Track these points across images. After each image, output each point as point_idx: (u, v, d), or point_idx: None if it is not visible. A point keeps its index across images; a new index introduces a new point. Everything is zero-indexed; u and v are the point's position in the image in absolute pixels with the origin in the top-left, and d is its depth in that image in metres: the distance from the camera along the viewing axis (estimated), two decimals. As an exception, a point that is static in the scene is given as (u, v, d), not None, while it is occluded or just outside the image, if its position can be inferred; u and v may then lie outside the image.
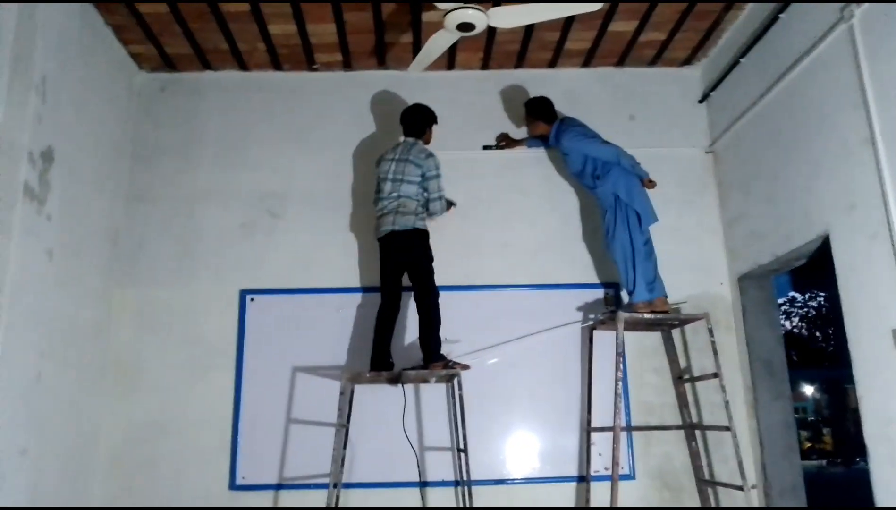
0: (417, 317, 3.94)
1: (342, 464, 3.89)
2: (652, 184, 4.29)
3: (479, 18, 3.57)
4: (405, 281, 4.04)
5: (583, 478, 4.19)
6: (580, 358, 4.38)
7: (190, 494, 4.08)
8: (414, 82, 4.73)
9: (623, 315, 3.95)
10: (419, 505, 4.08)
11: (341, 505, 3.94)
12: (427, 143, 4.20)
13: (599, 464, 4.18)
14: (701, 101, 4.85)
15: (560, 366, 4.36)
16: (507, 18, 3.70)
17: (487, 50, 4.64)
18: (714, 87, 4.65)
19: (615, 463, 3.72)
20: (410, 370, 3.87)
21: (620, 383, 3.87)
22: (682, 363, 4.42)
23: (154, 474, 4.14)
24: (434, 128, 4.26)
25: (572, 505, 4.19)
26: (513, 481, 4.20)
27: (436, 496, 4.12)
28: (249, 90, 4.82)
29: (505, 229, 4.59)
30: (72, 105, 3.81)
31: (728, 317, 4.50)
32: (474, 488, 3.86)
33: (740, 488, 3.83)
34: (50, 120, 3.55)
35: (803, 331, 23.83)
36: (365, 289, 4.42)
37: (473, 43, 4.40)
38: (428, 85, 4.70)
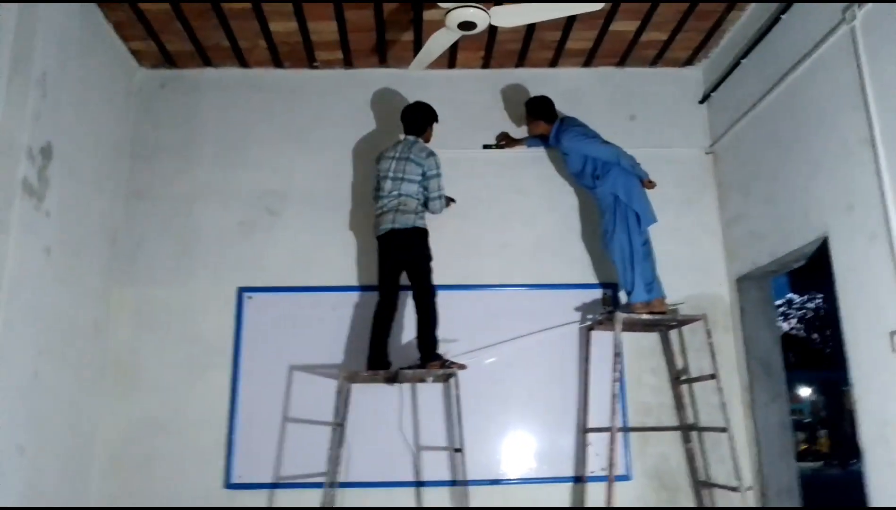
0: (415, 316, 3.93)
1: (338, 464, 3.89)
2: (651, 184, 4.29)
3: (481, 17, 3.57)
4: (403, 280, 4.03)
5: (579, 479, 4.19)
6: (577, 358, 4.38)
7: (186, 493, 4.07)
8: (414, 81, 4.72)
9: (621, 315, 3.95)
10: (415, 505, 4.08)
11: (337, 504, 3.93)
12: (427, 141, 4.20)
13: (596, 465, 4.17)
14: (701, 102, 4.85)
15: (557, 367, 4.36)
16: (509, 17, 3.69)
17: (488, 49, 4.64)
18: (715, 88, 4.64)
19: (611, 463, 3.72)
20: (407, 369, 3.87)
21: (618, 384, 3.88)
22: (680, 364, 4.42)
23: (151, 472, 4.13)
24: (434, 126, 4.26)
25: (568, 505, 4.19)
26: (509, 481, 4.20)
27: (432, 496, 4.11)
28: (250, 88, 4.81)
29: (504, 229, 4.59)
30: (71, 102, 3.80)
31: (726, 318, 4.50)
32: (470, 488, 3.85)
33: (736, 489, 3.84)
34: (49, 116, 3.55)
35: (801, 332, 23.86)
36: (362, 288, 4.42)
37: (474, 42, 4.40)
38: (428, 84, 4.69)
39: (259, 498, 4.10)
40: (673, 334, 4.45)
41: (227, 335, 4.35)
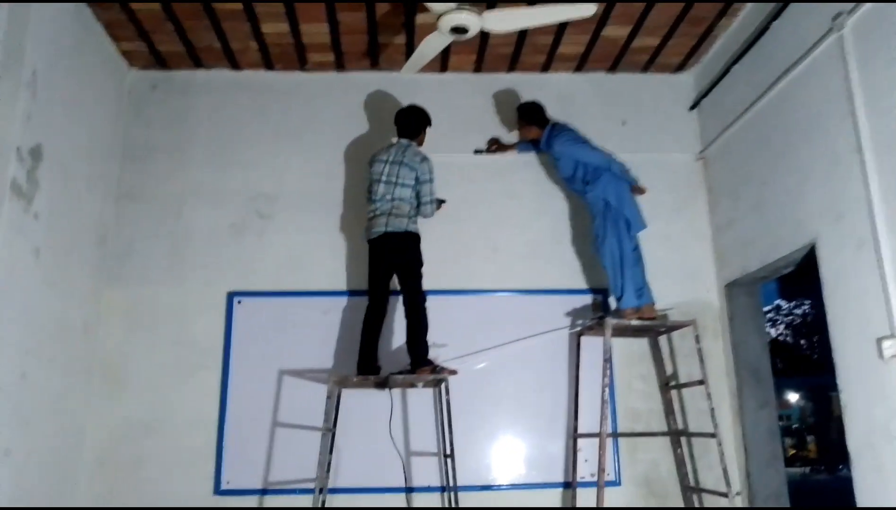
0: (405, 320, 3.92)
1: (328, 469, 3.87)
2: (642, 190, 4.31)
3: (473, 22, 3.57)
4: (392, 284, 4.02)
5: (569, 485, 4.19)
6: (568, 363, 4.38)
7: (175, 497, 4.04)
8: (406, 84, 4.72)
9: (611, 321, 3.95)
10: None
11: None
12: (420, 144, 4.19)
13: (585, 471, 4.17)
14: (692, 108, 4.87)
15: (547, 372, 4.36)
16: (501, 22, 3.70)
17: (480, 53, 4.64)
18: (706, 94, 4.67)
19: (601, 469, 3.72)
20: (398, 374, 3.85)
21: (607, 389, 3.87)
22: (669, 370, 4.43)
23: (139, 476, 4.10)
24: (427, 130, 4.25)
25: (558, 508, 4.18)
26: (499, 487, 4.19)
27: (422, 501, 4.10)
28: (241, 90, 4.79)
29: (494, 233, 4.59)
30: (62, 102, 3.78)
31: (715, 324, 4.52)
32: (460, 494, 3.84)
33: (725, 495, 3.85)
34: (39, 117, 3.52)
35: (788, 338, 23.97)
36: (351, 293, 4.40)
37: (466, 46, 4.39)
38: (420, 87, 4.68)
39: (249, 503, 4.07)
40: (662, 340, 4.46)
41: (217, 338, 4.32)
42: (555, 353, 4.39)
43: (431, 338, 3.89)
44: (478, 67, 4.84)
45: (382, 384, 3.92)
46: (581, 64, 4.81)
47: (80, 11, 4.00)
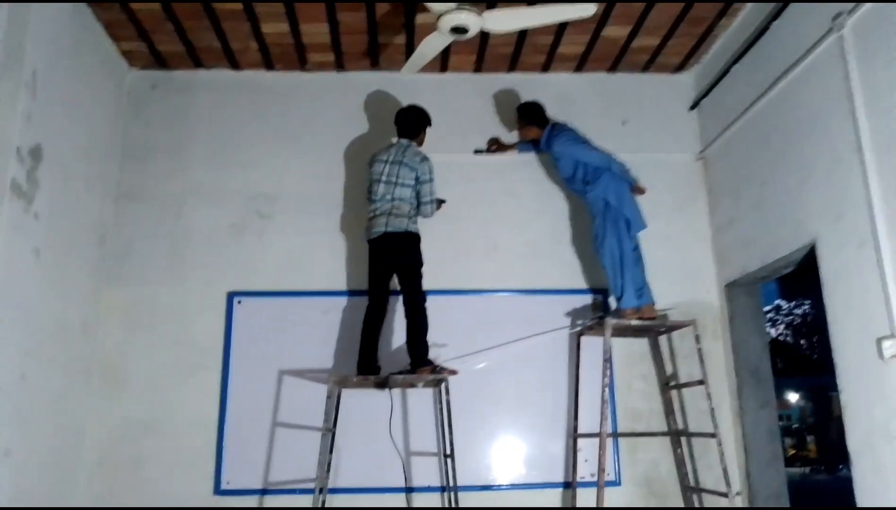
0: (405, 320, 3.92)
1: (328, 469, 3.87)
2: (642, 190, 4.31)
3: (473, 22, 3.57)
4: (392, 284, 4.02)
5: (569, 485, 4.19)
6: (567, 363, 4.38)
7: (174, 498, 4.04)
8: (406, 84, 4.72)
9: (611, 321, 3.95)
10: None
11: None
12: (420, 144, 4.20)
13: (586, 471, 4.17)
14: (692, 108, 4.87)
15: (547, 372, 4.36)
16: (501, 22, 3.70)
17: (480, 53, 4.64)
18: (706, 94, 4.67)
19: (601, 469, 3.72)
20: (398, 374, 3.85)
21: (607, 389, 3.87)
22: (669, 370, 4.43)
23: (139, 476, 4.10)
24: (427, 130, 4.25)
25: (558, 508, 4.18)
26: (499, 487, 4.19)
27: (422, 501, 4.10)
28: (241, 89, 4.79)
29: (494, 233, 4.59)
30: (62, 102, 3.78)
31: (715, 324, 4.52)
32: (460, 494, 3.84)
33: (725, 495, 3.85)
34: (39, 117, 3.52)
35: (788, 338, 23.98)
36: (351, 293, 4.40)
37: (466, 46, 4.39)
38: (420, 87, 4.68)
39: (248, 502, 4.07)
40: (662, 340, 4.46)
41: (217, 338, 4.32)
42: (555, 353, 4.39)
43: (431, 338, 3.89)
44: (478, 67, 4.84)
45: (382, 384, 3.92)
46: (581, 64, 4.81)
47: (80, 11, 4.00)
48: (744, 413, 4.26)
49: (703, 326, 4.29)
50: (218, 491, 4.08)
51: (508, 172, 4.70)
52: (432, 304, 3.93)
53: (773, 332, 23.29)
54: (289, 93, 4.80)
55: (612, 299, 4.27)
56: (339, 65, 4.77)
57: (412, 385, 4.08)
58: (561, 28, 4.33)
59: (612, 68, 4.88)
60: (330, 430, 3.86)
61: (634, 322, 4.03)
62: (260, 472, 4.11)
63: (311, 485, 3.79)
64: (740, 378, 4.30)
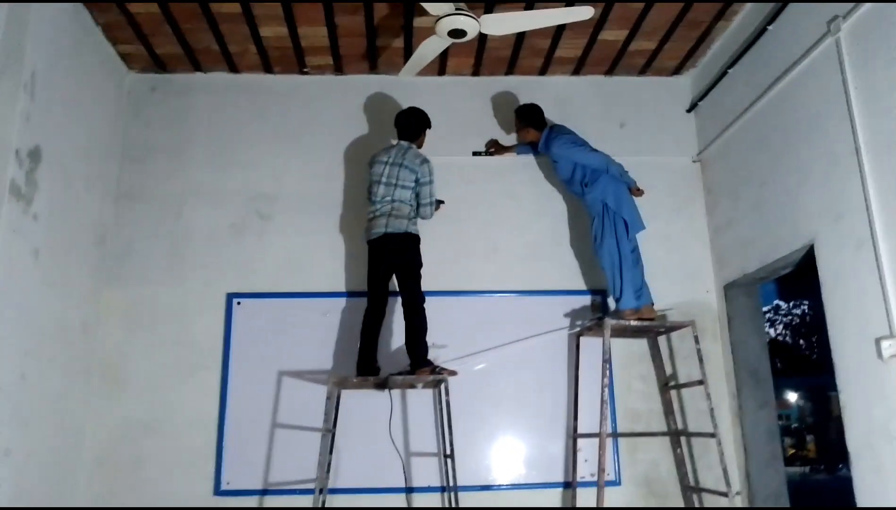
0: (404, 321, 3.93)
1: (328, 470, 3.87)
2: (640, 192, 4.33)
3: (471, 25, 3.58)
4: (391, 286, 4.03)
5: (569, 485, 4.20)
6: (567, 364, 4.39)
7: (174, 498, 4.05)
8: (405, 87, 4.74)
9: (610, 322, 3.96)
10: (405, 510, 4.08)
11: None
12: (420, 146, 4.21)
13: (585, 471, 4.18)
14: (690, 110, 4.89)
15: (547, 373, 4.37)
16: (499, 26, 3.71)
17: (478, 56, 4.65)
18: (703, 96, 4.69)
19: (601, 469, 3.73)
20: (397, 375, 3.86)
21: (607, 390, 3.88)
22: (669, 370, 4.44)
23: (139, 477, 4.10)
24: (426, 132, 4.26)
25: (558, 508, 4.20)
26: (499, 487, 4.20)
27: (422, 502, 4.11)
28: (240, 92, 4.80)
29: (493, 235, 4.60)
30: (61, 104, 3.78)
31: (714, 324, 4.53)
32: (460, 494, 3.85)
33: (725, 495, 3.86)
34: (38, 118, 3.53)
35: (787, 338, 23.99)
36: (350, 294, 4.41)
37: (465, 49, 4.41)
38: (418, 90, 4.70)
39: (248, 503, 4.08)
40: (662, 341, 4.47)
41: (217, 339, 4.33)
42: (554, 354, 4.40)
43: (431, 339, 3.90)
44: (476, 70, 4.85)
45: (382, 385, 3.93)
46: (579, 67, 4.82)
47: (79, 13, 4.01)
48: (743, 413, 4.27)
49: (702, 327, 4.30)
50: (218, 491, 4.09)
51: (507, 174, 4.72)
52: (432, 306, 3.94)
53: (772, 332, 23.30)
54: (288, 94, 4.81)
55: (611, 300, 4.28)
56: (338, 68, 4.78)
57: (412, 386, 4.09)
58: (558, 31, 4.35)
59: (610, 71, 4.90)
60: (330, 431, 3.86)
61: (633, 322, 4.05)
62: (260, 473, 4.12)
63: (311, 486, 3.79)
64: (739, 378, 4.32)
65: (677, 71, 4.91)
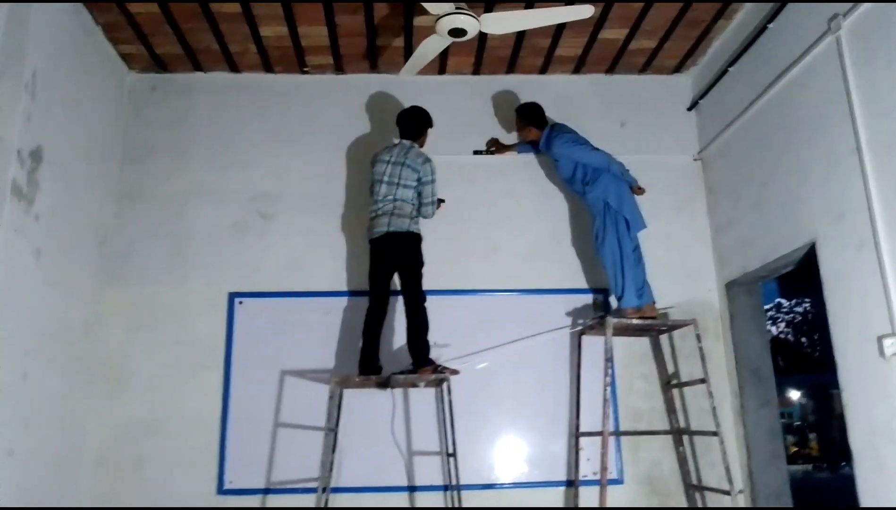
0: (405, 320, 3.93)
1: (331, 468, 3.88)
2: (641, 190, 4.32)
3: (471, 24, 3.58)
4: (392, 285, 4.04)
5: (571, 483, 4.20)
6: (569, 363, 4.39)
7: (177, 497, 4.05)
8: (405, 86, 4.74)
9: (612, 320, 3.96)
10: None
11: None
12: (422, 146, 4.21)
13: (588, 469, 4.18)
14: (690, 109, 4.89)
15: (549, 371, 4.37)
16: (499, 25, 3.71)
17: (479, 55, 4.65)
18: (703, 95, 4.68)
19: (604, 467, 3.73)
20: (399, 374, 3.86)
21: (609, 388, 3.88)
22: (671, 369, 4.44)
23: (141, 476, 4.11)
24: (428, 131, 4.27)
25: (560, 507, 4.19)
26: (501, 485, 4.21)
27: (424, 500, 4.11)
28: (240, 92, 4.80)
29: (495, 234, 4.60)
30: (62, 104, 3.79)
31: (716, 323, 4.53)
32: (463, 492, 3.85)
33: (727, 493, 3.86)
34: (39, 119, 3.54)
35: (789, 336, 23.99)
36: (352, 293, 4.42)
37: (465, 48, 4.41)
38: (419, 89, 4.70)
39: (251, 502, 4.09)
40: (663, 339, 4.47)
41: (219, 338, 4.34)
42: (556, 353, 4.40)
43: (433, 338, 3.90)
44: (476, 69, 4.85)
45: (384, 384, 3.93)
46: (579, 66, 4.82)
47: (79, 13, 4.01)
48: (745, 411, 4.27)
49: (703, 325, 4.30)
50: (221, 490, 4.10)
51: (508, 173, 4.72)
52: (434, 305, 3.94)
53: (773, 330, 23.30)
54: (288, 94, 4.81)
55: (612, 299, 4.28)
56: (339, 67, 4.78)
57: (414, 385, 4.09)
58: (559, 30, 4.35)
59: (611, 70, 4.89)
60: (332, 430, 3.87)
61: (635, 321, 4.05)
62: (262, 472, 4.12)
63: (313, 485, 3.81)
64: (741, 377, 4.31)
65: (678, 69, 4.91)
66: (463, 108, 4.81)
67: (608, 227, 4.13)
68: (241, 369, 4.29)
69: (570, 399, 4.33)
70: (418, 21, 4.15)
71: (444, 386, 3.93)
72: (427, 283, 3.97)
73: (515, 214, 4.65)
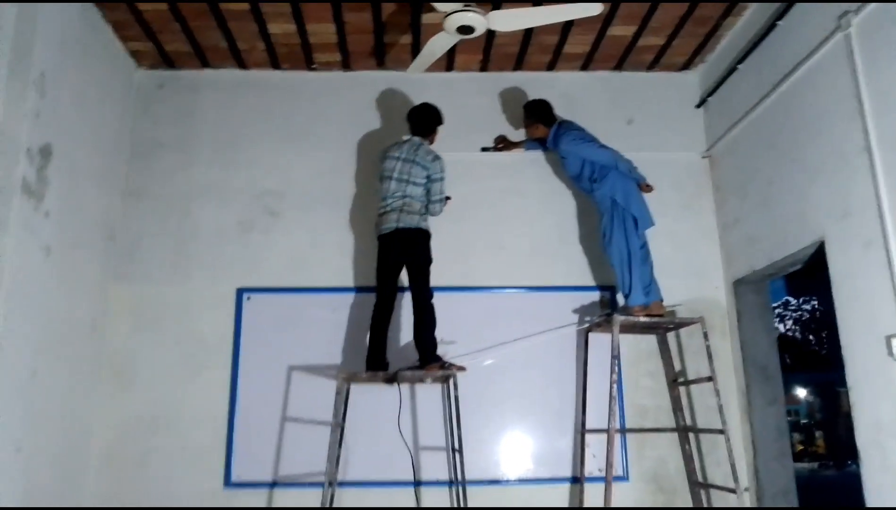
0: (412, 317, 3.94)
1: (337, 463, 3.90)
2: (649, 188, 4.32)
3: (479, 22, 3.58)
4: (400, 281, 4.04)
5: (577, 480, 4.21)
6: (576, 360, 4.39)
7: (184, 492, 4.08)
8: (413, 83, 4.74)
9: (619, 318, 3.96)
10: (413, 504, 4.09)
11: (336, 503, 3.94)
12: (432, 143, 4.21)
13: (593, 466, 4.19)
14: (698, 106, 4.87)
15: (555, 369, 4.38)
16: (507, 22, 3.70)
17: (486, 52, 4.65)
18: (711, 92, 4.67)
19: (609, 464, 3.74)
20: (406, 370, 3.88)
21: (615, 386, 3.88)
22: (677, 366, 4.44)
23: (148, 471, 4.14)
24: (438, 128, 4.27)
25: (566, 506, 4.20)
26: (507, 482, 4.22)
27: (430, 495, 4.13)
28: (248, 89, 4.82)
29: (502, 231, 4.60)
30: (70, 101, 3.81)
31: (723, 321, 4.53)
32: (468, 488, 3.86)
33: (733, 491, 3.85)
34: (48, 116, 3.56)
35: (797, 334, 23.93)
36: (359, 289, 4.43)
37: (472, 45, 4.41)
38: (426, 86, 4.70)
39: (258, 497, 4.11)
40: (670, 337, 4.46)
41: (226, 334, 4.36)
42: (562, 350, 4.41)
43: (439, 334, 3.90)
44: (484, 66, 4.85)
45: (391, 380, 3.94)
46: (587, 63, 4.81)
47: (88, 11, 4.03)
48: (752, 410, 4.26)
49: (710, 323, 4.29)
50: (228, 484, 4.12)
51: (515, 170, 4.72)
52: (440, 302, 3.95)
53: (781, 328, 23.25)
54: (295, 91, 4.82)
55: (619, 296, 4.28)
56: (346, 64, 4.79)
57: (421, 380, 4.10)
58: (567, 27, 4.34)
59: (618, 67, 4.88)
60: (339, 425, 3.89)
61: (642, 319, 4.04)
62: (269, 467, 4.14)
63: (320, 479, 3.82)
64: (748, 375, 4.31)
65: (686, 67, 4.90)
66: (470, 104, 4.81)
67: (616, 224, 4.13)
68: (249, 364, 4.31)
69: (576, 396, 4.33)
70: (426, 18, 4.15)
71: (451, 382, 3.93)
72: (434, 280, 3.97)
73: (522, 211, 4.65)
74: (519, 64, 4.82)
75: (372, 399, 4.15)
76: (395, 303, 4.05)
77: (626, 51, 4.66)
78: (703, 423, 4.30)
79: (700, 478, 4.24)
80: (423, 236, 3.98)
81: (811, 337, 23.62)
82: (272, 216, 4.59)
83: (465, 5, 3.53)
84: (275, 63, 4.75)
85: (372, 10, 4.14)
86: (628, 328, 4.18)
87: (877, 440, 3.14)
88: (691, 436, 4.31)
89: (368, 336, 3.97)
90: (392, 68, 4.81)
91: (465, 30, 3.62)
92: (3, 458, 3.20)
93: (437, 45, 3.88)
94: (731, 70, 4.37)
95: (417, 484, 4.12)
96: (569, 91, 4.85)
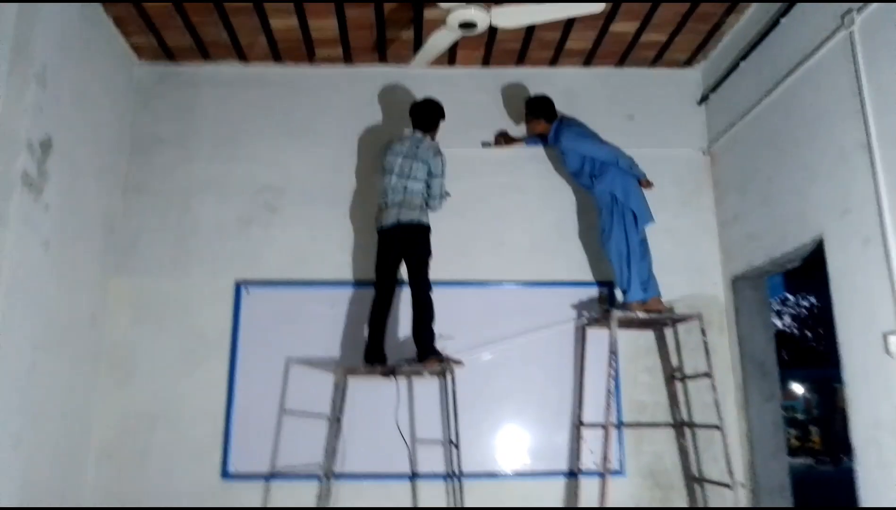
0: (411, 311, 3.95)
1: (335, 456, 3.92)
2: (649, 184, 4.33)
3: (481, 18, 3.58)
4: (399, 275, 4.06)
5: (573, 474, 4.23)
6: (573, 355, 4.41)
7: (182, 483, 4.11)
8: (414, 78, 4.75)
9: (617, 313, 3.98)
10: (410, 496, 4.11)
11: (333, 495, 3.97)
12: (434, 138, 4.22)
13: (590, 461, 4.21)
14: (700, 103, 4.88)
15: (553, 363, 4.39)
16: (509, 18, 3.70)
17: (488, 48, 4.65)
18: (713, 89, 4.67)
19: (606, 458, 3.76)
20: (405, 364, 3.89)
21: (613, 381, 3.90)
22: (675, 362, 4.46)
23: (146, 464, 4.16)
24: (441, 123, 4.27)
25: (561, 500, 4.22)
26: (504, 475, 4.24)
27: (427, 488, 4.15)
28: (248, 83, 4.82)
29: (501, 226, 4.61)
30: (71, 95, 3.81)
31: (721, 317, 4.54)
32: (465, 481, 3.89)
33: (729, 486, 3.88)
34: (49, 109, 3.55)
35: (794, 330, 23.95)
36: (358, 283, 4.44)
37: (474, 40, 4.41)
38: (428, 81, 4.70)
39: (255, 489, 4.13)
40: (668, 333, 4.48)
41: (225, 328, 4.37)
42: (560, 345, 4.42)
43: (438, 329, 3.92)
44: (485, 62, 4.85)
45: (389, 373, 3.96)
46: (589, 59, 4.81)
47: (89, 5, 4.02)
48: (749, 406, 4.29)
49: (708, 319, 4.31)
50: (225, 475, 4.14)
51: (516, 166, 4.72)
52: (439, 296, 3.96)
53: (779, 324, 23.26)
54: (296, 86, 4.82)
55: (618, 292, 4.29)
56: (348, 59, 4.79)
57: (419, 374, 4.12)
58: (569, 24, 4.34)
59: (620, 63, 4.88)
60: (337, 418, 3.91)
61: (640, 314, 4.06)
62: (267, 459, 4.16)
63: (317, 472, 3.84)
64: (745, 371, 4.33)
65: (687, 63, 4.90)
66: (471, 100, 4.81)
67: (615, 220, 4.14)
68: (247, 357, 4.32)
69: (573, 391, 4.35)
70: (428, 13, 4.15)
71: (449, 376, 3.96)
72: (433, 275, 3.99)
73: (522, 207, 4.66)
74: (520, 60, 4.82)
75: (370, 392, 4.17)
76: (394, 297, 4.07)
77: (628, 47, 4.66)
78: (700, 419, 4.32)
79: (696, 474, 4.27)
80: (423, 231, 3.99)
81: (809, 333, 23.64)
82: (272, 211, 4.59)
83: (468, 1, 3.53)
84: (276, 57, 4.74)
85: (374, 6, 4.13)
86: (626, 323, 4.20)
87: (873, 437, 3.16)
88: (688, 431, 4.34)
89: (367, 329, 3.98)
90: (393, 63, 4.81)
91: (467, 25, 3.63)
92: (2, 452, 3.20)
93: (439, 41, 3.88)
94: (733, 67, 4.37)
95: (414, 476, 4.14)
96: (570, 87, 4.85)
